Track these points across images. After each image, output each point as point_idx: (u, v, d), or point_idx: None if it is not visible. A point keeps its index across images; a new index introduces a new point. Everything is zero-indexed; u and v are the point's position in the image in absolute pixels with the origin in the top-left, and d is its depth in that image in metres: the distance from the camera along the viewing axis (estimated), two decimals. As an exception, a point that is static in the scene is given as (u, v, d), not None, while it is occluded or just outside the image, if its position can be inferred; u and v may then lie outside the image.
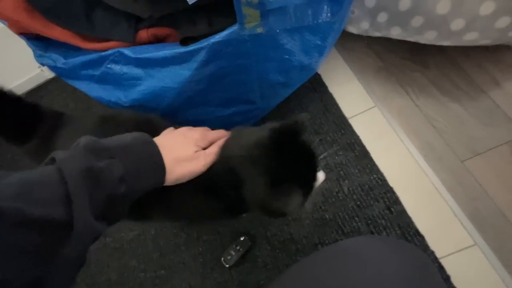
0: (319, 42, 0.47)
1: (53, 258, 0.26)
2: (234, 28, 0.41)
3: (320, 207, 0.69)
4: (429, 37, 0.68)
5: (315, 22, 0.41)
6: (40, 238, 0.24)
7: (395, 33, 0.72)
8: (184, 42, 0.48)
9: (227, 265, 0.67)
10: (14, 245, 0.23)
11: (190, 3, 0.44)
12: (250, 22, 0.40)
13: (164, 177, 0.36)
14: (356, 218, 0.66)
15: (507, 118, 0.68)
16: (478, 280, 0.57)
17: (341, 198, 0.68)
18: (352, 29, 0.81)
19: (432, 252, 0.60)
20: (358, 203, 0.67)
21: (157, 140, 0.38)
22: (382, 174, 0.68)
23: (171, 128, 0.45)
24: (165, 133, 0.43)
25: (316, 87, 0.82)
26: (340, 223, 0.67)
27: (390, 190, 0.67)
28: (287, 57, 0.48)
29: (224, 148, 0.41)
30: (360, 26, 0.78)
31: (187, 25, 0.49)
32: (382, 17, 0.70)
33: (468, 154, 0.67)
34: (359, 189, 0.68)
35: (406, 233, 0.62)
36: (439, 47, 0.74)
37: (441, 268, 0.58)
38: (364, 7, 0.71)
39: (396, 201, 0.66)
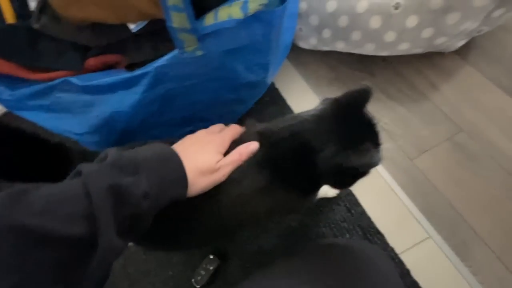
0: (261, 60, 0.50)
1: (77, 275, 0.26)
2: (175, 52, 0.43)
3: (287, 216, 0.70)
4: (369, 49, 0.74)
5: (251, 42, 0.45)
6: (64, 255, 0.25)
7: (340, 47, 0.78)
8: (131, 67, 0.50)
9: (198, 286, 0.66)
10: (38, 262, 0.23)
11: (133, 31, 0.46)
12: (189, 46, 0.42)
13: (187, 190, 0.35)
14: (320, 224, 0.68)
15: (446, 117, 0.75)
16: (434, 270, 0.60)
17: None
18: (303, 45, 0.87)
19: (392, 249, 0.63)
20: (321, 208, 0.69)
21: (179, 148, 0.37)
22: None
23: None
24: (185, 140, 0.42)
25: (275, 101, 0.86)
26: (306, 230, 0.68)
27: (350, 193, 0.70)
28: (232, 75, 0.51)
29: (272, 132, 0.41)
30: (309, 42, 0.83)
31: (133, 51, 0.50)
32: (327, 33, 0.76)
33: (417, 153, 0.72)
34: (321, 195, 0.71)
35: (367, 233, 0.65)
36: (382, 56, 0.81)
37: (401, 263, 0.61)
38: (309, 25, 0.77)
39: (356, 203, 0.69)
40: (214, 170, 0.38)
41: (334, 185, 0.46)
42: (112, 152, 0.32)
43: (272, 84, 0.85)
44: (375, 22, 0.67)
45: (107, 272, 0.29)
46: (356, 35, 0.72)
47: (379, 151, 0.39)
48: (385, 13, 0.65)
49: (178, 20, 0.37)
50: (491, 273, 0.59)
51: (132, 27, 0.48)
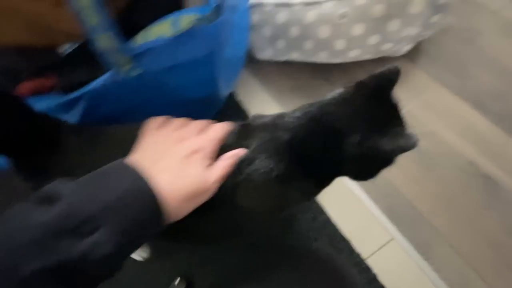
0: (206, 76, 0.49)
1: None
2: (110, 73, 0.41)
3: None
4: (322, 57, 0.76)
5: (192, 58, 0.44)
6: None
7: (295, 56, 0.80)
8: (68, 89, 0.47)
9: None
10: None
11: (66, 52, 0.43)
12: (123, 66, 0.40)
13: (164, 223, 0.28)
14: (287, 236, 0.67)
15: (401, 119, 0.77)
16: (400, 272, 0.60)
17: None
18: (261, 56, 0.88)
19: (358, 255, 0.63)
20: (287, 219, 0.68)
21: (156, 168, 0.28)
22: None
23: (154, 124, 0.35)
24: (162, 148, 0.32)
25: (237, 113, 0.85)
26: (272, 243, 0.66)
27: (314, 201, 0.70)
28: (178, 92, 0.49)
29: (286, 121, 0.38)
30: (266, 53, 0.84)
31: (69, 73, 0.48)
32: (280, 44, 0.77)
33: (376, 155, 0.74)
34: (287, 205, 0.70)
35: (333, 241, 0.65)
36: (337, 63, 0.83)
37: (368, 269, 0.61)
38: (263, 37, 0.78)
39: (321, 211, 0.68)
40: (206, 190, 0.31)
41: (356, 174, 0.42)
42: (62, 204, 0.23)
43: (232, 97, 0.85)
44: (324, 32, 0.69)
45: None
46: (308, 45, 0.73)
47: (411, 135, 0.35)
48: (333, 22, 0.67)
49: (104, 41, 0.35)
50: (452, 269, 0.60)
51: (65, 48, 0.45)
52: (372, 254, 0.63)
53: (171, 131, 0.35)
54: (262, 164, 0.35)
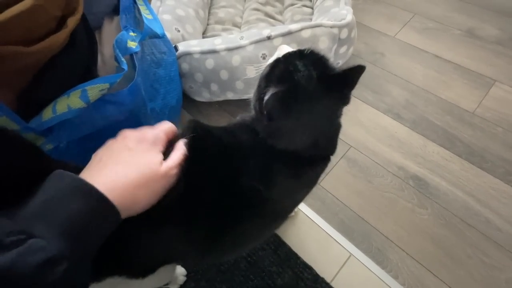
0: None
1: None
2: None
3: (216, 279, 0.65)
4: (255, 94, 0.81)
5: (114, 121, 0.43)
6: None
7: (230, 96, 0.83)
8: None
9: None
10: None
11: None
12: (35, 142, 0.38)
13: (119, 218, 0.26)
14: (251, 276, 0.65)
15: (336, 138, 0.84)
16: (363, 286, 0.62)
17: (232, 261, 0.67)
18: (200, 99, 0.90)
19: (323, 279, 0.63)
20: (249, 259, 0.67)
21: (103, 160, 0.28)
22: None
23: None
24: (110, 145, 0.32)
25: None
26: (237, 288, 0.64)
27: (274, 234, 0.69)
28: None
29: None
30: (203, 96, 0.87)
31: None
32: (214, 87, 0.81)
33: (321, 176, 0.78)
34: (246, 244, 0.69)
35: (296, 271, 0.64)
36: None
37: (333, 292, 0.61)
38: (197, 82, 0.81)
39: (281, 243, 0.68)
40: (159, 176, 0.29)
41: None
42: None
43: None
44: (250, 72, 0.74)
45: None
46: (239, 85, 0.78)
47: None
48: (256, 62, 0.73)
49: (2, 123, 0.33)
50: (407, 272, 0.64)
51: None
52: (336, 275, 0.64)
53: (129, 132, 0.33)
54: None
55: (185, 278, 0.63)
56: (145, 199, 0.29)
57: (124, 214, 0.27)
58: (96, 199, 0.25)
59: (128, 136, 0.32)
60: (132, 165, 0.29)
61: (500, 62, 0.97)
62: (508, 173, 0.75)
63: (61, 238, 0.22)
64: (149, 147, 0.31)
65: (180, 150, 0.32)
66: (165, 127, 0.34)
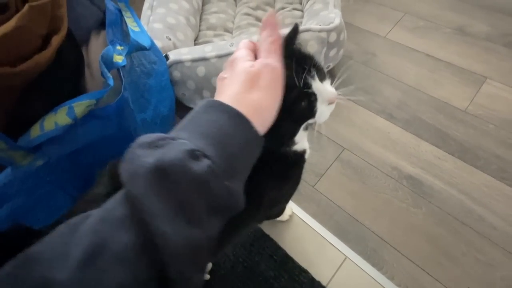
0: (126, 146, 0.49)
1: None
2: (8, 170, 0.38)
3: (212, 285, 0.65)
4: (247, 99, 0.81)
5: (101, 136, 0.43)
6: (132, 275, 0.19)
7: (223, 102, 0.84)
8: None
9: None
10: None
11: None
12: (24, 160, 0.38)
13: (252, 126, 0.26)
14: (248, 282, 0.65)
15: (329, 140, 0.85)
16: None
17: (228, 267, 0.67)
18: (193, 105, 0.90)
19: (319, 282, 0.63)
20: (245, 264, 0.67)
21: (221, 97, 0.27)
22: (256, 226, 0.72)
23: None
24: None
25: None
26: (235, 295, 0.64)
27: (268, 239, 0.70)
28: (97, 165, 0.48)
29: None
30: (196, 103, 0.87)
31: None
32: (207, 93, 0.81)
33: (315, 178, 0.79)
34: (243, 249, 0.69)
35: (292, 275, 0.65)
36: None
37: (330, 295, 0.62)
38: (189, 90, 0.81)
39: (277, 247, 0.69)
40: (254, 74, 0.27)
41: None
42: (140, 137, 0.24)
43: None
44: (241, 78, 0.74)
45: (190, 274, 0.21)
46: (231, 91, 0.78)
47: None
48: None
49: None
50: (403, 272, 0.64)
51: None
52: (332, 278, 0.64)
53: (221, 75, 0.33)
54: None
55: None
56: (262, 100, 0.27)
57: (258, 123, 0.27)
58: (225, 110, 0.25)
59: (221, 73, 0.32)
60: (232, 82, 0.28)
61: (491, 59, 0.97)
62: (501, 170, 0.75)
63: (202, 139, 0.23)
64: (237, 62, 0.30)
65: (262, 52, 0.30)
66: (242, 44, 0.32)
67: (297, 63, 0.33)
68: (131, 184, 0.21)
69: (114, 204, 0.21)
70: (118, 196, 0.22)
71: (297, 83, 0.32)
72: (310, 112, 0.35)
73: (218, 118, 0.25)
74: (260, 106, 0.27)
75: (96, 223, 0.21)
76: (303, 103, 0.34)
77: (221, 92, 0.29)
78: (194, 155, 0.22)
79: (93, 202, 0.38)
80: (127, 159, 0.22)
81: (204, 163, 0.22)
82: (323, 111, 0.36)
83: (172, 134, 0.24)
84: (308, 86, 0.33)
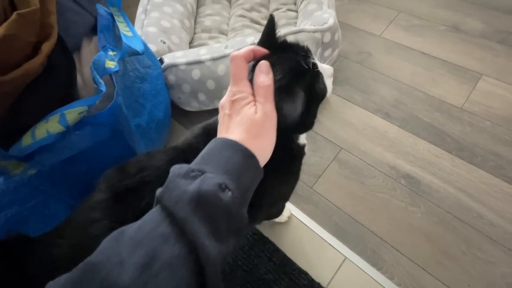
0: (122, 149, 0.48)
1: None
2: (0, 180, 0.38)
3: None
4: (243, 102, 0.81)
5: (95, 142, 0.43)
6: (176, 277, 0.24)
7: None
8: None
9: None
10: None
11: None
12: (16, 169, 0.38)
13: (259, 164, 0.32)
14: (248, 285, 0.65)
15: (326, 141, 0.84)
16: (359, 290, 0.62)
17: (228, 271, 0.67)
18: (190, 108, 0.90)
19: (319, 284, 0.63)
20: (245, 267, 0.67)
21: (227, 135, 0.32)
22: (255, 228, 0.71)
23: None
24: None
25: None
26: (234, 299, 0.64)
27: (267, 241, 0.70)
28: (94, 169, 0.47)
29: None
30: (192, 106, 0.87)
31: None
32: (202, 96, 0.81)
33: (313, 179, 0.78)
34: (241, 252, 0.69)
35: (292, 277, 0.64)
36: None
37: (330, 297, 0.61)
38: (184, 93, 0.81)
39: (276, 250, 0.68)
40: (259, 123, 0.32)
41: None
42: (174, 168, 0.29)
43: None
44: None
45: (217, 281, 0.26)
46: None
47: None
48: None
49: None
50: (402, 271, 0.64)
51: None
52: (332, 279, 0.64)
53: (221, 109, 0.36)
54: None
55: None
56: (264, 143, 0.33)
57: (260, 161, 0.32)
58: (240, 149, 0.30)
59: (223, 105, 0.35)
60: (238, 125, 0.32)
61: (486, 56, 0.97)
62: (498, 167, 0.75)
63: (224, 174, 0.29)
64: (240, 103, 0.33)
65: (260, 97, 0.33)
66: (232, 66, 0.35)
67: (295, 52, 0.37)
68: (176, 208, 0.26)
69: (155, 223, 0.26)
70: (155, 216, 0.27)
71: (307, 67, 0.35)
72: (325, 88, 0.39)
73: (235, 156, 0.30)
74: (263, 148, 0.33)
75: (142, 238, 0.25)
76: (319, 82, 0.38)
77: (227, 127, 0.33)
78: (222, 187, 0.27)
79: (93, 210, 0.38)
80: (169, 187, 0.27)
81: (228, 194, 0.27)
82: (329, 84, 0.40)
83: (198, 166, 0.29)
84: (315, 66, 0.36)
